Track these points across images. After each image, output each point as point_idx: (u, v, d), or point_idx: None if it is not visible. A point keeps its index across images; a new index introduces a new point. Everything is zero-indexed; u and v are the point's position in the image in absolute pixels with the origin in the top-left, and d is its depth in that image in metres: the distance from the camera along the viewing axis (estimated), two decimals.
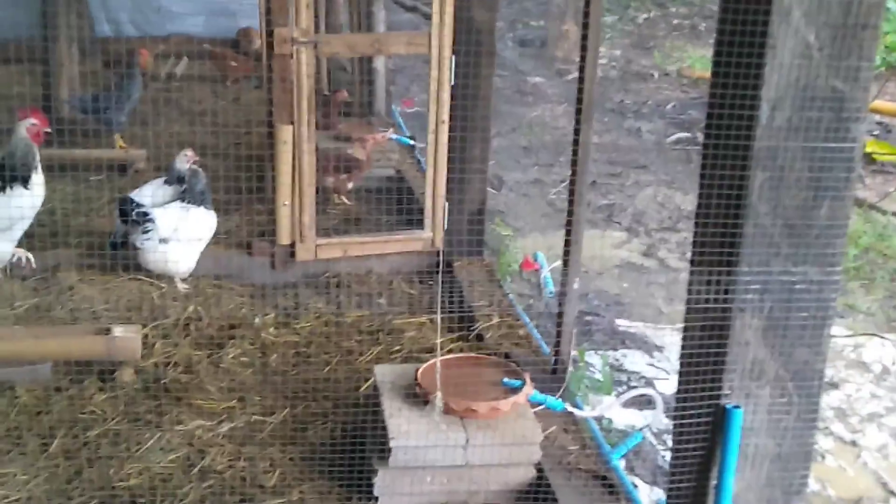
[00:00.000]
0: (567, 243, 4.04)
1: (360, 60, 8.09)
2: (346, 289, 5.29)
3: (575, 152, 3.95)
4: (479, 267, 5.51)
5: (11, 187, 4.74)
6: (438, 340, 3.61)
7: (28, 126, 4.82)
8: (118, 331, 4.26)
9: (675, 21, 14.48)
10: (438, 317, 3.66)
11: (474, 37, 5.23)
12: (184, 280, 5.15)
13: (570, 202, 4.00)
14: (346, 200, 6.49)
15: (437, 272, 5.38)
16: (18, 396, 4.05)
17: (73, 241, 5.39)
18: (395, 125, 8.07)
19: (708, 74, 10.02)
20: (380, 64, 8.07)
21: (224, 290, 5.13)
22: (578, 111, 3.89)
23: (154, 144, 7.27)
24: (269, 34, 5.11)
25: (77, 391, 4.13)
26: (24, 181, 4.76)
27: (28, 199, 4.76)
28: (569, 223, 4.03)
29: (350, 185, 6.50)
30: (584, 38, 3.83)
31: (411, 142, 7.74)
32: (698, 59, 12.19)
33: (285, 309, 5.00)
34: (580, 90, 3.88)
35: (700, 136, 8.92)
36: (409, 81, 10.88)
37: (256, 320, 4.81)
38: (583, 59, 3.85)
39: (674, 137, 9.09)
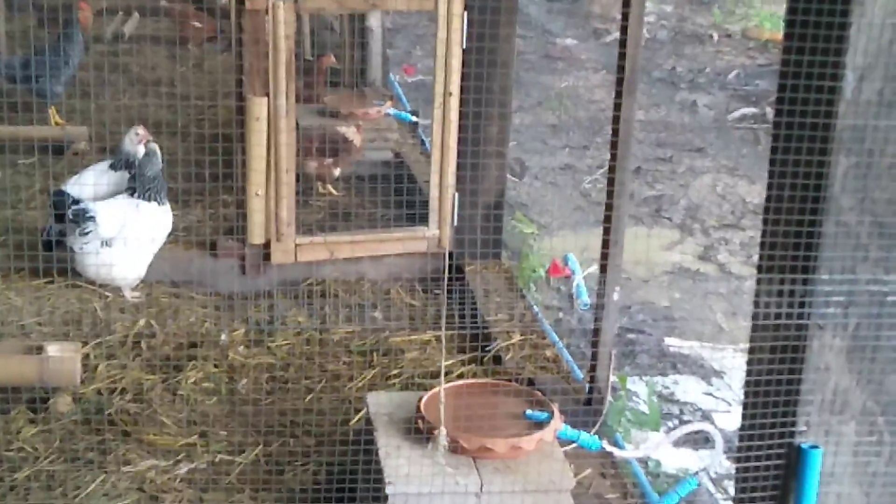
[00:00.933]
0: (606, 244, 4.04)
1: (351, 18, 8.11)
2: (333, 299, 5.30)
3: (615, 132, 3.95)
4: (497, 272, 5.52)
5: None
6: (443, 363, 3.61)
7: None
8: (53, 350, 4.27)
9: None
10: (443, 333, 3.67)
11: None
12: (133, 289, 5.17)
13: (610, 193, 4.01)
14: (332, 190, 6.51)
15: (445, 278, 5.39)
16: None
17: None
18: (393, 97, 8.09)
19: (780, 36, 10.08)
20: (375, 22, 8.10)
21: (183, 300, 5.16)
22: (620, 81, 3.90)
23: (97, 120, 7.30)
24: None
25: (2, 423, 4.15)
26: None
27: None
28: (607, 219, 4.03)
29: (337, 172, 6.52)
30: None
31: (413, 118, 7.75)
32: (767, 17, 12.19)
33: (258, 323, 5.02)
34: (622, 55, 3.89)
35: (770, 112, 8.97)
36: (411, 44, 10.91)
37: (222, 337, 4.83)
38: (625, 16, 3.86)
39: (737, 114, 9.09)
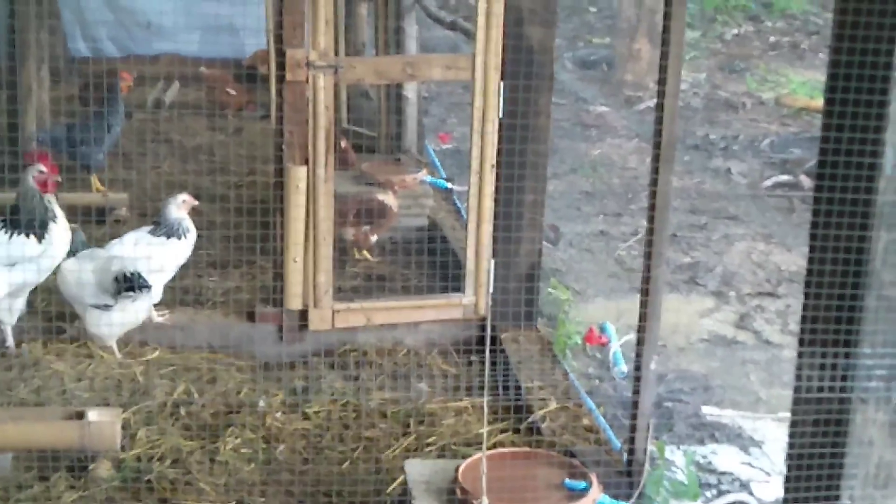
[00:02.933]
0: (643, 314, 4.05)
1: (388, 86, 8.22)
2: (370, 366, 5.32)
3: (652, 201, 3.97)
4: (533, 339, 5.52)
5: (14, 237, 4.96)
6: (485, 430, 3.62)
7: (35, 174, 5.01)
8: (93, 415, 4.31)
9: (772, 38, 14.56)
10: (486, 401, 3.68)
11: (528, 59, 5.32)
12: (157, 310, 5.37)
13: (647, 262, 4.02)
14: (368, 256, 6.56)
15: (487, 346, 5.39)
16: None
17: (39, 305, 5.49)
18: (428, 165, 8.16)
19: (813, 103, 10.07)
20: (411, 91, 8.20)
21: (221, 366, 5.19)
22: (656, 149, 3.93)
23: (138, 187, 7.42)
24: (281, 56, 5.23)
25: (43, 489, 4.18)
26: (39, 235, 4.97)
27: (38, 252, 4.98)
28: (645, 289, 4.04)
29: (374, 238, 6.57)
30: (664, 56, 3.89)
31: (449, 185, 7.82)
32: (801, 85, 12.23)
33: (295, 390, 5.04)
34: (658, 123, 3.93)
35: (804, 180, 8.97)
36: (445, 112, 11.03)
37: (260, 403, 4.85)
38: (662, 83, 3.90)
39: (771, 181, 9.10)
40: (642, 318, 4.07)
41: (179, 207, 5.45)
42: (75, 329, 5.30)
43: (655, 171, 3.95)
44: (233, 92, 9.71)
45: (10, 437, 4.29)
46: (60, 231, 5.08)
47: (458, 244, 6.75)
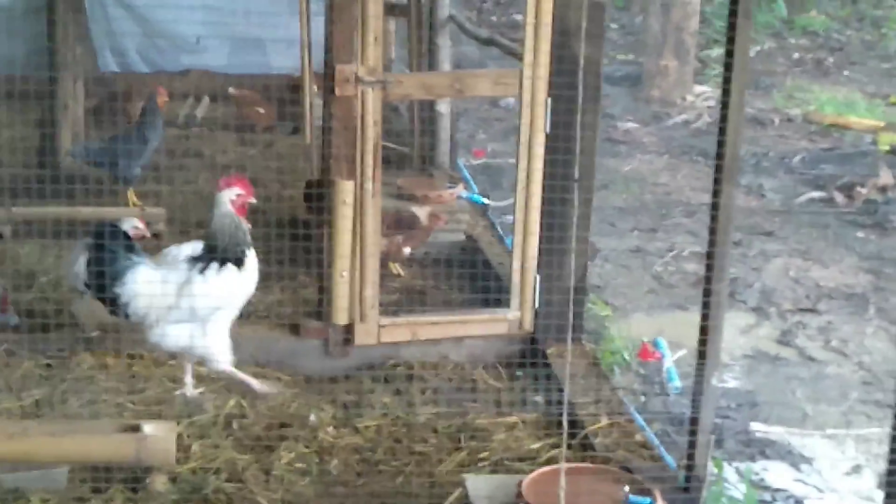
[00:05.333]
0: (704, 328, 4.05)
1: (420, 101, 8.24)
2: (417, 381, 5.33)
3: (714, 217, 3.99)
4: (578, 355, 5.53)
5: (215, 268, 4.82)
6: (564, 447, 3.62)
7: (232, 197, 4.87)
8: (149, 428, 4.33)
9: (795, 55, 14.59)
10: (565, 418, 3.68)
11: (575, 73, 5.33)
12: None
13: (708, 278, 4.03)
14: (400, 270, 6.57)
15: (528, 360, 5.41)
16: None
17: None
18: (462, 180, 8.19)
19: (842, 120, 10.09)
20: (444, 106, 8.24)
21: (269, 381, 5.20)
22: (719, 162, 3.95)
23: (174, 202, 7.46)
24: (329, 71, 5.27)
25: (101, 502, 4.19)
26: (238, 262, 4.85)
27: (234, 283, 4.86)
28: (706, 303, 4.05)
29: (407, 251, 6.59)
30: (728, 68, 3.91)
31: (485, 200, 7.85)
32: (828, 101, 12.24)
33: (345, 404, 5.06)
34: (721, 142, 3.95)
35: (838, 197, 8.97)
36: (474, 127, 11.06)
37: (311, 418, 4.86)
38: (726, 95, 3.93)
39: (805, 198, 9.11)
40: (703, 332, 4.07)
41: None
42: (124, 342, 5.34)
43: (717, 185, 3.97)
44: (262, 110, 9.75)
45: (67, 450, 4.30)
46: (253, 257, 4.96)
47: (496, 259, 6.78)
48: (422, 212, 6.62)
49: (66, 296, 5.90)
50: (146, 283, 4.77)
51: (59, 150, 7.92)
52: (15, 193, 7.03)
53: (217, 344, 4.90)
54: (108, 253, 4.77)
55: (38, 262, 6.55)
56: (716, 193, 3.98)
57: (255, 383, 5.00)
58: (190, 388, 4.98)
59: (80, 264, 5.11)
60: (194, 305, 4.78)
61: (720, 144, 3.96)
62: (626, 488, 3.86)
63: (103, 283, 4.76)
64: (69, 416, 4.74)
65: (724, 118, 3.93)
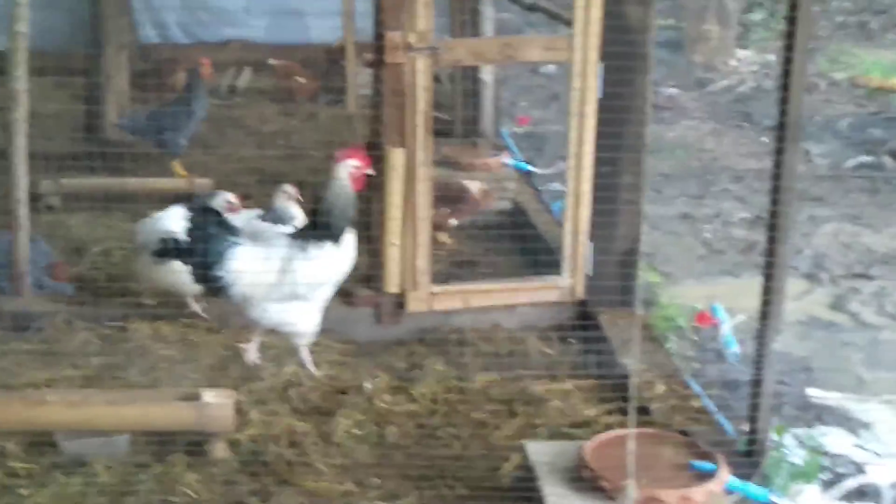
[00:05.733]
0: (767, 290, 4.03)
1: (463, 69, 8.21)
2: (470, 348, 5.34)
3: (776, 177, 3.96)
4: (631, 321, 5.50)
5: (315, 246, 4.78)
6: (633, 410, 3.61)
7: (350, 170, 4.82)
8: (208, 396, 4.37)
9: (839, 18, 14.38)
10: (634, 383, 3.68)
11: (626, 38, 5.30)
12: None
13: (771, 239, 4.01)
14: (445, 239, 6.57)
15: (580, 327, 5.40)
16: (97, 474, 4.18)
17: (141, 288, 5.56)
18: (506, 148, 8.16)
19: (889, 83, 9.93)
20: (488, 74, 8.19)
21: (322, 348, 5.22)
22: (780, 127, 3.92)
23: (219, 172, 7.49)
24: (380, 39, 5.25)
25: (163, 469, 4.24)
26: (336, 238, 4.80)
27: (334, 262, 4.84)
28: (768, 265, 4.03)
29: (453, 222, 6.59)
30: (790, 30, 3.87)
31: (530, 167, 7.82)
32: (873, 65, 12.07)
33: (399, 372, 5.07)
34: (783, 101, 3.91)
35: (887, 161, 8.86)
36: (514, 95, 11.00)
37: (367, 385, 4.89)
38: (787, 57, 3.88)
39: (853, 162, 9.01)
40: (765, 296, 4.05)
41: (284, 199, 5.43)
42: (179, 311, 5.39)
43: (780, 149, 3.93)
44: (302, 80, 9.75)
45: (128, 418, 4.36)
46: (352, 235, 4.90)
47: (544, 227, 6.77)
48: (474, 186, 6.61)
49: (119, 266, 5.98)
50: (248, 264, 4.74)
51: (105, 122, 7.96)
52: (63, 166, 7.10)
53: (310, 321, 4.90)
54: (208, 234, 4.74)
55: (88, 233, 6.61)
56: (778, 153, 3.94)
57: (312, 368, 5.00)
58: (253, 354, 4.99)
59: (157, 231, 5.25)
60: (295, 284, 4.76)
61: (782, 104, 3.91)
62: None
63: (205, 265, 4.73)
64: (128, 384, 4.79)
65: (785, 78, 3.89)
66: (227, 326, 5.30)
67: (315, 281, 4.78)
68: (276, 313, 4.82)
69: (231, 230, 4.83)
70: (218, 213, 4.93)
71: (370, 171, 4.92)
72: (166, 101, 7.78)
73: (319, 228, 4.81)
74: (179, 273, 5.16)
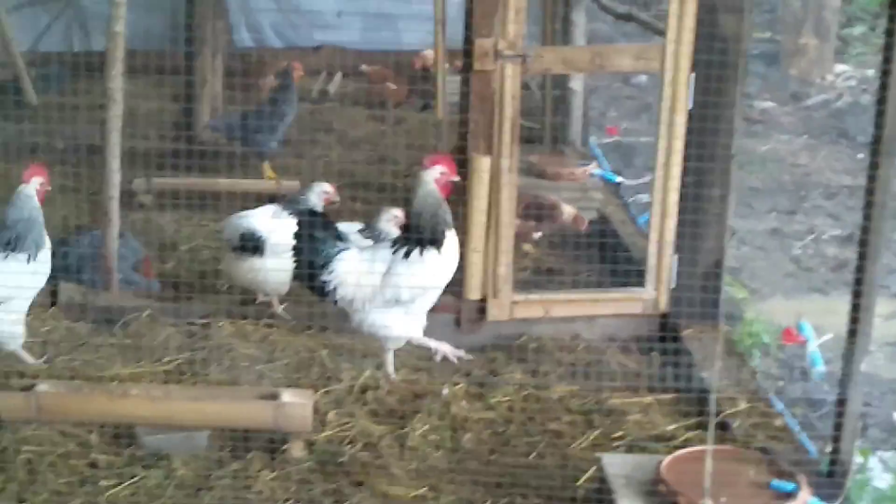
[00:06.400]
0: (856, 311, 3.93)
1: (553, 77, 8.18)
2: (550, 358, 5.31)
3: (870, 192, 3.87)
4: (714, 336, 5.42)
5: (418, 252, 4.79)
6: (712, 426, 3.56)
7: (436, 176, 4.81)
8: (287, 396, 4.41)
9: None
10: (713, 397, 3.63)
11: (720, 48, 5.23)
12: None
13: (862, 255, 3.91)
14: (529, 249, 6.55)
15: (663, 341, 5.34)
16: (175, 469, 4.24)
17: (225, 286, 5.65)
18: (594, 158, 8.11)
19: None
20: (577, 83, 8.16)
21: (401, 353, 5.23)
22: (876, 141, 3.82)
23: (308, 175, 7.56)
24: (469, 46, 5.26)
25: (241, 466, 4.29)
26: (438, 244, 4.80)
27: (437, 268, 4.82)
28: (858, 282, 3.93)
29: (538, 235, 6.56)
30: (890, 34, 3.77)
31: (618, 178, 7.76)
32: None
33: (477, 379, 5.06)
34: (879, 113, 3.82)
35: None
36: (605, 105, 10.93)
37: (444, 391, 4.88)
38: (886, 68, 3.79)
39: None
40: (854, 315, 3.95)
41: (389, 221, 5.40)
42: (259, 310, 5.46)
43: (875, 164, 3.84)
44: (394, 86, 9.80)
45: (208, 415, 4.42)
46: (453, 239, 4.87)
47: (629, 238, 6.71)
48: (568, 209, 6.56)
49: (206, 265, 6.09)
50: (353, 269, 4.80)
51: (198, 124, 8.11)
52: (156, 164, 7.24)
53: (409, 328, 4.91)
54: (315, 237, 4.83)
55: (178, 232, 6.74)
56: (873, 167, 3.85)
57: (392, 372, 5.01)
58: (390, 367, 5.00)
59: (240, 227, 5.44)
60: (399, 290, 4.79)
61: (879, 117, 3.82)
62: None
63: (312, 271, 4.81)
64: (209, 381, 4.86)
65: (883, 90, 3.80)
66: (309, 328, 5.35)
67: (418, 287, 4.79)
68: (378, 318, 4.85)
69: (338, 234, 4.90)
70: (325, 217, 4.99)
71: (456, 178, 4.91)
72: (258, 104, 7.89)
73: (418, 235, 4.80)
74: (260, 271, 5.24)
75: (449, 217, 4.85)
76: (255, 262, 5.34)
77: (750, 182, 8.53)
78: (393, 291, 4.79)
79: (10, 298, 4.74)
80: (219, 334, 5.24)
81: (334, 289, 4.82)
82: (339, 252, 4.83)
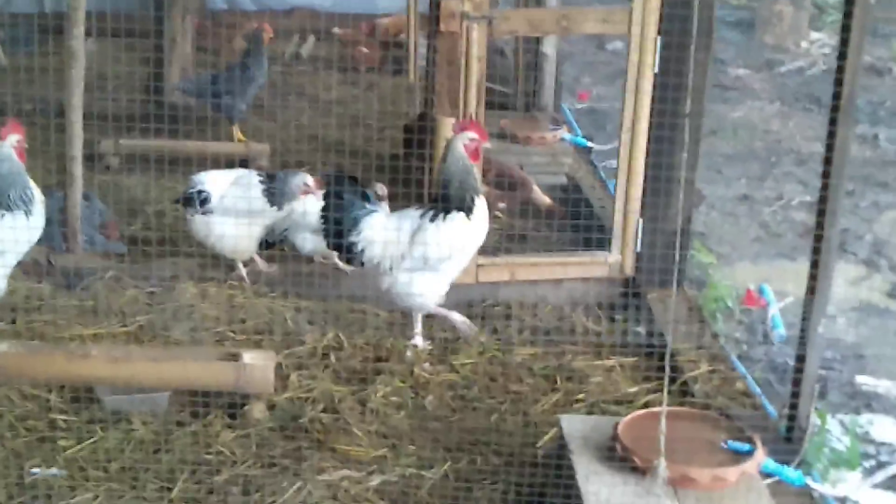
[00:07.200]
0: (814, 275, 3.94)
1: (525, 42, 8.14)
2: (515, 321, 5.30)
3: (828, 160, 3.87)
4: (679, 300, 5.43)
5: (446, 217, 4.75)
6: (666, 389, 3.56)
7: (466, 142, 4.74)
8: (249, 357, 4.39)
9: None
10: (667, 360, 3.63)
11: (687, 13, 5.19)
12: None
13: (820, 223, 3.91)
14: (498, 213, 6.53)
15: (628, 304, 5.34)
16: (134, 430, 4.23)
17: (191, 249, 5.61)
18: (566, 123, 8.08)
19: None
20: (550, 47, 8.11)
21: (367, 315, 5.23)
22: (835, 104, 3.82)
23: (277, 138, 7.50)
24: (435, 8, 5.21)
25: (201, 427, 4.28)
26: (467, 210, 4.76)
27: (465, 232, 4.78)
28: (816, 249, 3.93)
29: (502, 206, 6.53)
30: (849, 5, 3.76)
31: (589, 143, 7.74)
32: None
33: (441, 341, 5.06)
34: (837, 85, 3.80)
35: None
36: (578, 71, 10.89)
37: (408, 353, 4.88)
38: (845, 36, 3.78)
39: None
40: (812, 279, 3.96)
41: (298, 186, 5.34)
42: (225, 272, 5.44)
43: (833, 127, 3.83)
44: (366, 50, 9.74)
45: (168, 375, 4.40)
46: (482, 205, 4.82)
47: (598, 203, 6.70)
48: (541, 197, 6.51)
49: (171, 227, 6.04)
50: (380, 231, 4.77)
51: (167, 86, 8.02)
52: (124, 127, 7.17)
53: (436, 292, 4.87)
54: (345, 201, 4.78)
55: (144, 194, 6.68)
56: (830, 137, 3.84)
57: (421, 341, 4.98)
58: (419, 340, 4.98)
59: (190, 181, 5.44)
60: (426, 254, 4.75)
61: (837, 86, 3.81)
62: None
63: (340, 230, 4.77)
64: (171, 342, 4.84)
65: (841, 59, 3.79)
66: (272, 290, 5.33)
67: (445, 251, 4.76)
68: (406, 280, 4.82)
69: (366, 196, 4.85)
70: (354, 180, 4.93)
71: (487, 144, 4.86)
72: (227, 66, 7.82)
73: (446, 201, 4.75)
74: (211, 233, 5.23)
75: (478, 183, 4.80)
76: (202, 221, 5.31)
77: (722, 149, 8.54)
78: (421, 251, 4.74)
79: (3, 253, 4.69)
80: (182, 296, 5.21)
81: (362, 250, 4.79)
82: (367, 214, 4.80)
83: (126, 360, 4.40)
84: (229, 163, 6.87)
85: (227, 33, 9.49)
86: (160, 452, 4.13)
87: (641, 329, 5.14)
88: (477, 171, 4.81)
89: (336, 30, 10.01)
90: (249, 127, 7.64)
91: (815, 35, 12.38)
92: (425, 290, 4.84)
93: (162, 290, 5.26)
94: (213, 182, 5.39)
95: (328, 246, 4.95)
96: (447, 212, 4.75)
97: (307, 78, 9.33)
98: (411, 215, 4.83)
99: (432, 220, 4.75)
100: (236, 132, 7.54)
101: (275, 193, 5.29)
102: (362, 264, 4.84)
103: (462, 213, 4.75)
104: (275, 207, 5.30)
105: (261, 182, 5.33)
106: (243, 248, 5.36)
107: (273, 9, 10.93)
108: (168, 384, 4.43)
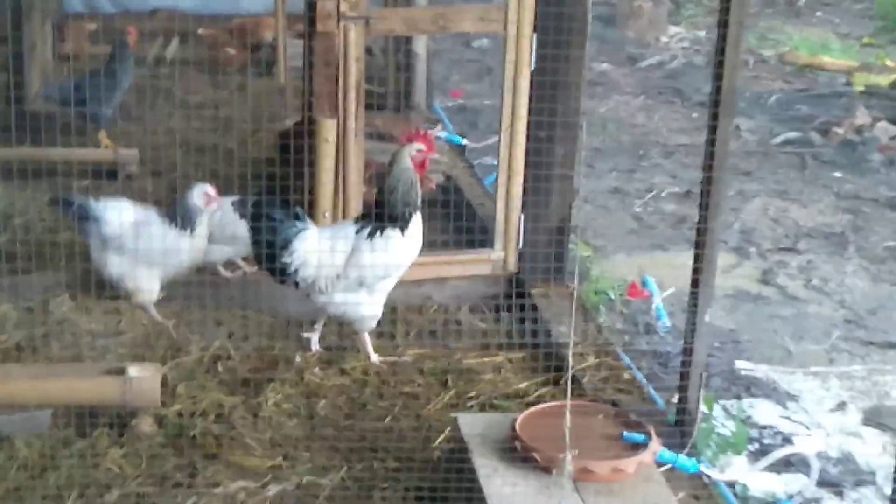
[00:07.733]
0: (697, 266, 4.03)
1: (396, 42, 8.12)
2: (402, 322, 5.29)
3: (710, 154, 3.96)
4: (563, 295, 5.50)
5: (382, 234, 4.65)
6: (569, 384, 3.59)
7: (413, 153, 4.67)
8: (134, 371, 4.28)
9: None
10: (570, 352, 3.66)
11: (561, 11, 5.26)
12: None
13: (703, 216, 4.00)
14: None
15: (513, 300, 5.38)
16: (18, 450, 4.06)
17: (61, 262, 5.41)
18: (439, 121, 8.10)
19: (817, 61, 10.06)
20: (421, 46, 8.11)
21: (251, 323, 5.14)
22: (716, 97, 3.91)
23: (146, 143, 7.32)
24: (311, 8, 5.15)
25: (87, 445, 4.14)
26: (404, 224, 4.67)
27: (401, 250, 4.71)
28: (699, 242, 4.03)
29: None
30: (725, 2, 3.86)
31: (464, 141, 7.77)
32: (802, 42, 12.21)
33: (329, 346, 5.00)
34: (718, 75, 3.90)
35: (814, 137, 8.96)
36: (447, 69, 10.94)
37: (297, 359, 4.82)
38: (723, 30, 3.88)
39: (781, 138, 9.09)
40: (697, 269, 4.05)
41: (199, 198, 5.13)
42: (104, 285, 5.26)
43: (714, 119, 3.93)
44: (232, 51, 9.58)
45: (50, 393, 4.26)
46: (419, 221, 4.76)
47: (476, 200, 6.72)
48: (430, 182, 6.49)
49: (41, 239, 5.83)
50: (314, 250, 4.62)
51: (29, 93, 7.74)
52: None
53: (375, 309, 4.79)
54: (274, 221, 4.61)
55: (10, 205, 6.43)
56: (711, 130, 3.94)
57: (374, 356, 4.89)
58: (370, 351, 4.88)
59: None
60: (362, 273, 4.64)
61: (717, 79, 3.91)
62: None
63: (271, 252, 4.61)
64: (51, 359, 4.66)
65: (720, 54, 3.88)
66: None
67: (381, 269, 4.67)
68: (342, 301, 4.71)
69: (296, 214, 4.70)
70: (285, 201, 4.77)
71: (435, 156, 4.76)
72: (91, 71, 7.58)
73: (384, 215, 4.67)
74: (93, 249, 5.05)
75: (418, 199, 4.72)
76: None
77: (591, 143, 8.68)
78: (357, 272, 4.65)
79: None
80: (59, 310, 5.03)
81: (296, 270, 4.65)
82: (298, 232, 4.65)
83: (3, 380, 4.24)
84: (96, 171, 6.72)
85: (89, 36, 9.22)
86: (47, 472, 3.97)
87: (527, 325, 5.18)
88: (419, 185, 4.72)
89: (201, 30, 9.82)
90: (116, 132, 7.43)
91: (673, 29, 12.71)
92: (363, 309, 4.76)
93: (37, 304, 5.06)
94: (105, 205, 5.19)
95: (259, 268, 4.81)
96: (382, 230, 4.67)
97: (173, 81, 9.12)
98: (346, 232, 4.73)
99: (369, 236, 4.66)
100: (103, 138, 7.33)
101: (181, 217, 5.08)
102: (296, 284, 4.71)
103: (398, 230, 4.68)
104: (188, 230, 5.07)
105: (166, 218, 5.12)
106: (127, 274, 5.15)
107: (133, 11, 10.67)
108: (50, 402, 4.27)
